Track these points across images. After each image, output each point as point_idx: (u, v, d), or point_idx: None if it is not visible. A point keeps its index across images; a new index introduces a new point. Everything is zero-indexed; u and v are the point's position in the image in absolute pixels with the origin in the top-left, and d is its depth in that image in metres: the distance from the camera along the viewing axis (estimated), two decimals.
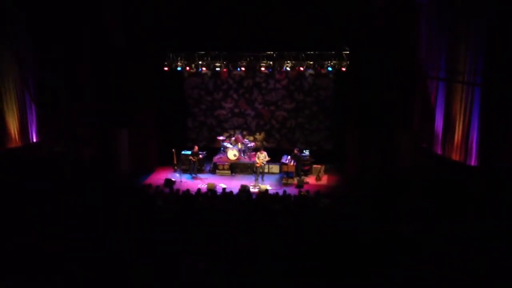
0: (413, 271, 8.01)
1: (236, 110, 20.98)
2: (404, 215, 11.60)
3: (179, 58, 19.15)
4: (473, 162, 12.92)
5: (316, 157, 19.02)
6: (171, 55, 19.14)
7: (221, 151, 19.74)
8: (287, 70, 18.97)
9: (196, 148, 18.86)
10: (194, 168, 18.64)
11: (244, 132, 20.79)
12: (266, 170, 18.51)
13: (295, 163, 18.05)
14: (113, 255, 8.44)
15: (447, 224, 10.84)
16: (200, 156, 18.83)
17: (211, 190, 15.63)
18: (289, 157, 18.44)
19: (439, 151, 14.37)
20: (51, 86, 16.36)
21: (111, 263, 8.02)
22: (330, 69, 18.37)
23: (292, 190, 15.97)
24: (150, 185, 15.35)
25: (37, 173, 15.02)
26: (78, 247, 8.81)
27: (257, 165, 17.79)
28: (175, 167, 19.06)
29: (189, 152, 18.83)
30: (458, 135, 13.44)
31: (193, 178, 18.40)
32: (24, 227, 10.12)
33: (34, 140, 16.20)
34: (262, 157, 17.77)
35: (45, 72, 16.23)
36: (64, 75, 16.42)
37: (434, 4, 14.43)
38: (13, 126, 15.37)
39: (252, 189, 16.23)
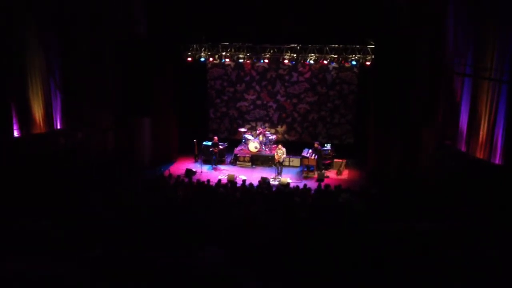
0: (431, 268, 7.91)
1: (258, 102, 20.97)
2: (425, 212, 11.47)
3: (202, 49, 19.20)
4: (497, 160, 12.71)
5: (338, 151, 18.90)
6: (194, 45, 19.20)
7: (243, 143, 19.75)
8: (311, 63, 18.85)
9: (216, 138, 18.91)
10: (214, 159, 18.69)
11: (266, 125, 20.77)
12: (286, 163, 18.46)
13: (316, 157, 17.97)
14: (132, 243, 8.51)
15: (469, 223, 10.70)
16: (220, 146, 18.87)
17: (231, 181, 15.68)
18: (310, 150, 18.36)
19: (463, 148, 14.17)
20: (76, 74, 16.55)
21: (130, 251, 8.08)
22: (354, 63, 18.21)
23: (312, 184, 15.91)
24: (170, 175, 15.45)
25: (61, 159, 15.26)
26: (99, 234, 8.91)
27: (276, 160, 17.72)
28: (196, 158, 19.15)
29: (209, 143, 18.88)
30: (483, 133, 13.23)
31: (213, 169, 18.45)
32: (46, 212, 10.26)
33: (58, 127, 16.42)
34: (280, 153, 17.68)
35: (70, 60, 16.41)
36: (89, 63, 16.59)
37: None
38: (38, 112, 15.60)
39: (272, 182, 16.21)
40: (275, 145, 18.90)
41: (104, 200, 11.55)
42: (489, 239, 9.30)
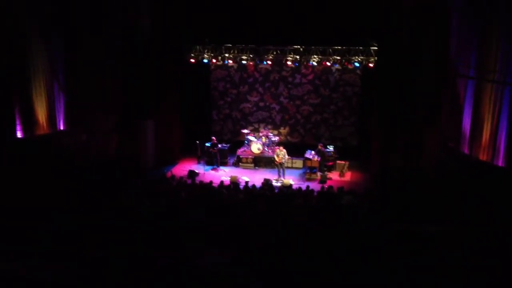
0: (435, 270, 7.91)
1: (261, 104, 20.97)
2: (428, 214, 11.45)
3: (205, 50, 19.22)
4: (500, 162, 12.68)
5: (341, 153, 18.88)
6: (197, 47, 19.22)
7: (245, 144, 19.75)
8: (314, 65, 18.84)
9: (214, 139, 18.90)
10: (216, 160, 18.68)
11: (269, 126, 20.77)
12: (289, 165, 18.43)
13: (319, 159, 17.95)
14: (134, 244, 8.52)
15: (472, 225, 10.68)
16: (220, 146, 18.83)
17: (234, 183, 15.68)
18: (313, 152, 18.34)
19: (466, 150, 14.14)
20: (80, 76, 16.57)
21: (132, 251, 8.09)
22: (357, 64, 18.19)
23: (315, 186, 15.89)
24: (173, 176, 15.46)
25: (64, 161, 15.28)
26: (101, 235, 8.92)
27: (277, 162, 17.64)
28: (199, 159, 19.17)
29: (209, 144, 18.90)
30: (486, 135, 13.20)
31: (213, 169, 18.44)
32: (49, 213, 10.28)
33: (62, 128, 16.44)
34: (281, 155, 17.58)
35: (74, 61, 16.44)
36: (93, 65, 16.60)
37: (466, 1, 14.17)
38: (41, 114, 15.62)
39: (275, 183, 16.20)
40: (277, 147, 18.88)
41: (107, 202, 11.56)
42: (492, 241, 9.29)
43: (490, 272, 7.80)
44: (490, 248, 8.91)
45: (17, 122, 14.91)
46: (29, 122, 15.28)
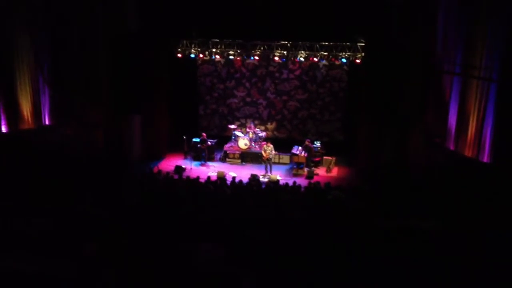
0: (422, 266, 7.96)
1: (248, 99, 20.94)
2: (414, 210, 11.54)
3: (192, 45, 19.12)
4: (485, 158, 12.81)
5: (328, 149, 18.94)
6: (185, 41, 19.12)
7: (232, 140, 19.73)
8: (301, 61, 18.84)
9: (204, 135, 18.86)
10: (203, 155, 18.65)
11: (256, 122, 20.75)
12: (276, 161, 18.46)
13: (306, 154, 17.99)
14: (122, 241, 8.47)
15: (458, 221, 10.77)
16: (209, 143, 18.82)
17: (221, 178, 15.65)
18: (300, 147, 18.37)
19: (451, 146, 14.26)
20: (65, 69, 16.41)
21: (123, 248, 8.04)
22: (344, 60, 18.22)
23: (302, 181, 15.93)
24: (160, 171, 15.39)
25: (49, 155, 15.13)
26: (91, 231, 8.85)
27: (264, 157, 17.69)
28: (186, 154, 19.11)
29: (198, 140, 18.85)
30: (471, 131, 13.33)
31: (202, 165, 18.41)
32: (35, 209, 10.17)
33: (47, 123, 16.28)
34: (268, 150, 17.62)
35: (59, 55, 16.27)
36: (79, 58, 16.45)
37: None
38: (26, 108, 15.46)
39: (262, 179, 16.20)
40: (264, 142, 18.88)
41: (95, 197, 11.47)
42: (479, 237, 9.38)
43: (478, 267, 7.88)
44: (477, 244, 9.00)
45: (2, 116, 14.74)
46: (14, 117, 15.11)
